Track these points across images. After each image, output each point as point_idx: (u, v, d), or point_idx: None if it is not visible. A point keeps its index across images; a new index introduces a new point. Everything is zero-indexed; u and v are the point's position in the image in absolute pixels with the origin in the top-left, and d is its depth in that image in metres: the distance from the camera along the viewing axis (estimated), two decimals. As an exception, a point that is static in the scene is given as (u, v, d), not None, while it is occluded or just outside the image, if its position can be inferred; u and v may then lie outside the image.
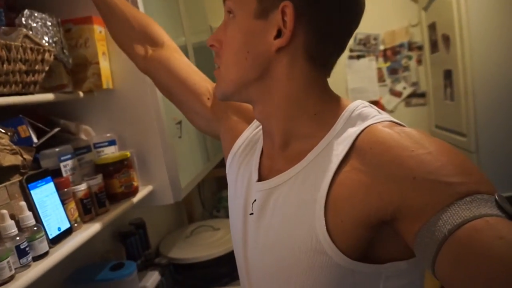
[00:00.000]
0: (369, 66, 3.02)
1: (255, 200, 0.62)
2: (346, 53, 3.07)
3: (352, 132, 0.54)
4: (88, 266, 1.24)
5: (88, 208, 0.97)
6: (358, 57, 3.04)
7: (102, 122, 1.22)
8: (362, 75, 3.03)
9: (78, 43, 1.15)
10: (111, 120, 1.22)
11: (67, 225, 0.88)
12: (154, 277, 1.39)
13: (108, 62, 1.20)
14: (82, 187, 0.96)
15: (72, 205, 0.91)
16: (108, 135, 1.17)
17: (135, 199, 1.14)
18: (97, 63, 1.14)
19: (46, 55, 0.96)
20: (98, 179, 1.03)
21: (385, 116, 0.56)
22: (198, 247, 1.79)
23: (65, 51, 1.07)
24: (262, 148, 0.67)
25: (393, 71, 2.99)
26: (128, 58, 1.22)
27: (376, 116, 0.55)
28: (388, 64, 3.00)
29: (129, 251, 1.47)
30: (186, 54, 1.92)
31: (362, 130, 0.53)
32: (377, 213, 0.48)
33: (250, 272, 0.63)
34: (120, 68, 1.21)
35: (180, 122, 1.50)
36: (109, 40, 1.21)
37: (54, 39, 1.04)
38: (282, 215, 0.57)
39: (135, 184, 1.15)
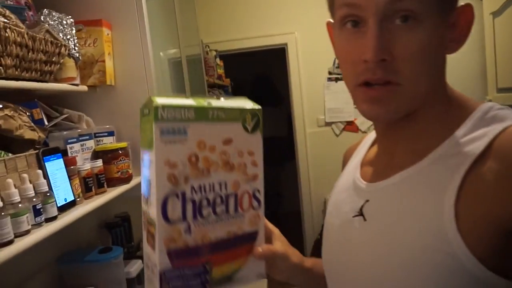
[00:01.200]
0: (346, 88, 3.23)
1: (367, 201, 0.59)
2: (325, 75, 3.29)
3: (487, 132, 0.50)
4: (77, 249, 1.33)
5: (89, 187, 1.08)
6: (336, 79, 3.26)
7: (102, 115, 1.34)
8: (339, 96, 3.24)
9: (87, 42, 1.28)
10: (110, 113, 1.34)
11: (72, 198, 0.98)
12: (137, 264, 1.47)
13: (112, 61, 1.33)
14: (86, 167, 1.07)
15: (76, 181, 1.02)
16: (108, 126, 1.29)
17: (129, 185, 1.25)
18: (103, 61, 1.27)
19: (62, 49, 1.08)
20: (98, 163, 1.14)
21: None
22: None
23: (76, 48, 1.20)
24: (375, 151, 0.67)
25: (367, 96, 3.22)
26: (129, 59, 1.36)
27: None
28: (364, 88, 3.22)
29: (114, 241, 1.55)
30: (180, 65, 2.07)
31: (502, 131, 0.48)
32: None
33: (352, 275, 0.59)
34: (122, 67, 1.35)
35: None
36: (114, 41, 1.35)
37: (68, 37, 1.16)
38: (402, 214, 0.53)
39: (130, 171, 1.26)
